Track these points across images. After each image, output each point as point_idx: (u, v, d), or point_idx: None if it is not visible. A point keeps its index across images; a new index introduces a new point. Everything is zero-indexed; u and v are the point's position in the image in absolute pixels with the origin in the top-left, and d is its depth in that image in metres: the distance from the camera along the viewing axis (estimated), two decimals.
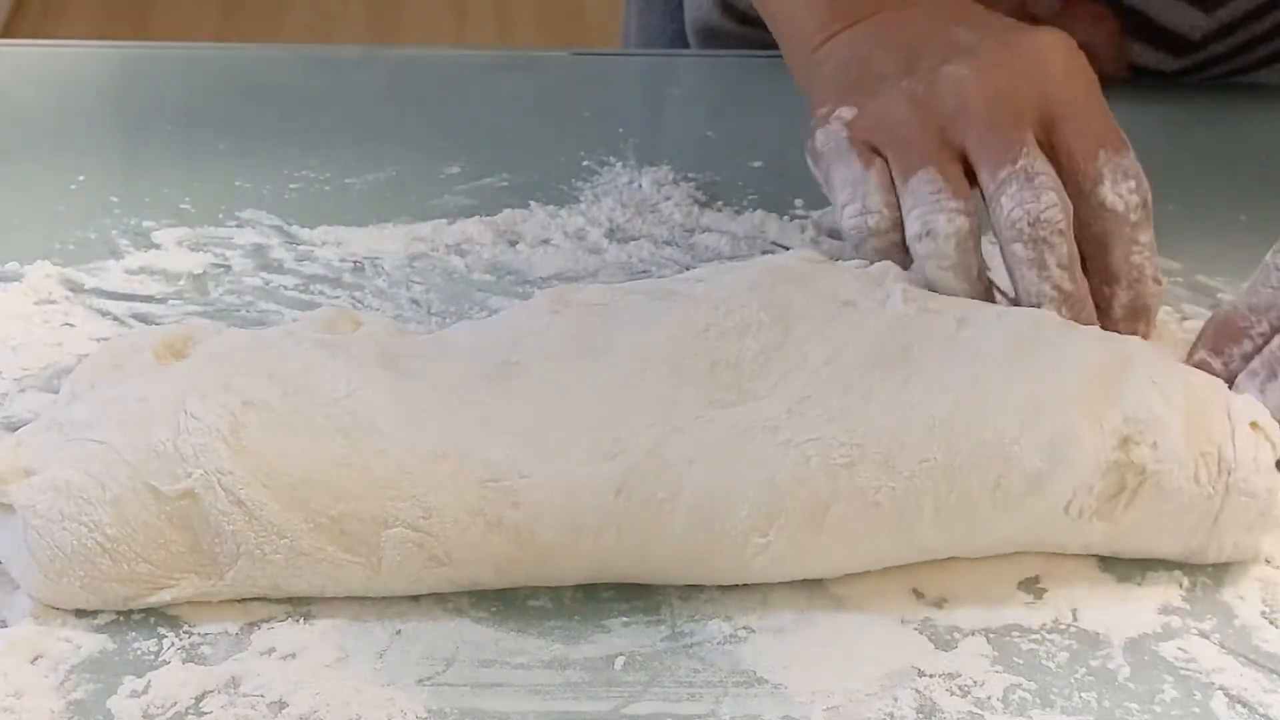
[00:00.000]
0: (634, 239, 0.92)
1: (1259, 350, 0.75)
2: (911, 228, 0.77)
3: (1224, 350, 0.76)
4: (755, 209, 0.95)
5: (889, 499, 0.66)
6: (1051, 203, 0.76)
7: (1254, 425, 0.69)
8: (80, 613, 0.65)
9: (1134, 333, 0.78)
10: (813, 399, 0.67)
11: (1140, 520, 0.68)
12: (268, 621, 0.65)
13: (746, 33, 1.14)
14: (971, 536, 0.68)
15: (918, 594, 0.68)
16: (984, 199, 0.78)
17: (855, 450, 0.65)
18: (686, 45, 1.23)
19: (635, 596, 0.67)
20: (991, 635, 0.66)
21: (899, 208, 0.79)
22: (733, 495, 0.65)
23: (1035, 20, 1.07)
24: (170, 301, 0.85)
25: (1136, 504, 0.68)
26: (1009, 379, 0.68)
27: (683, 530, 0.65)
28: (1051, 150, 0.79)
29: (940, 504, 0.66)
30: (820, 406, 0.66)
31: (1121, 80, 1.11)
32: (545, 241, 0.91)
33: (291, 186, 0.96)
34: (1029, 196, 0.76)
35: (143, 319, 0.83)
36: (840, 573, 0.67)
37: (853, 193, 0.80)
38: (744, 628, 0.66)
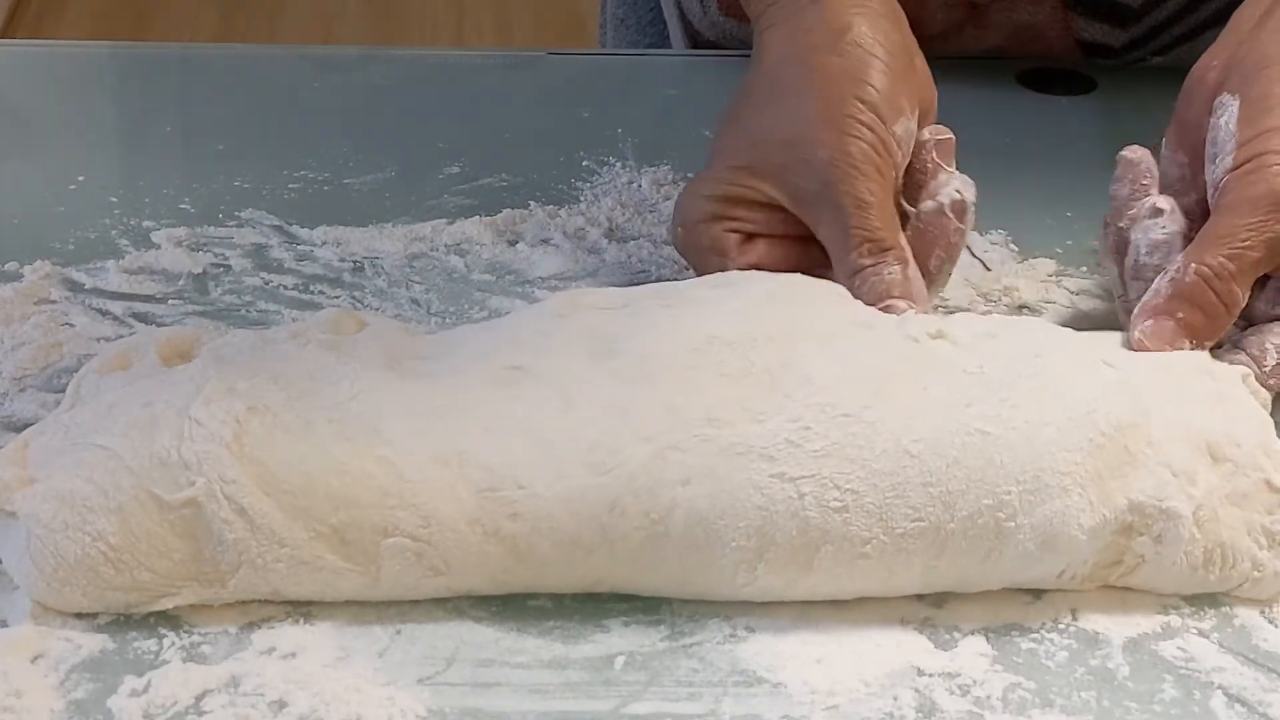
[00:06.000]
0: (634, 239, 0.92)
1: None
2: None
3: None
4: None
5: (878, 552, 0.65)
6: None
7: None
8: (80, 612, 0.65)
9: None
10: (812, 430, 0.65)
11: (1135, 584, 0.68)
12: (268, 621, 0.65)
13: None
14: (960, 588, 0.67)
15: (918, 594, 0.68)
16: None
17: (850, 496, 0.64)
18: None
19: (635, 596, 0.67)
20: (991, 635, 0.66)
21: None
22: (723, 524, 0.65)
23: (974, 7, 1.07)
24: (170, 301, 0.85)
25: (1133, 576, 0.68)
26: (1013, 438, 0.66)
27: (674, 553, 0.65)
28: None
29: (929, 564, 0.66)
30: (819, 439, 0.65)
31: (1072, 59, 1.10)
32: (545, 241, 0.91)
33: (291, 186, 0.96)
34: None
35: (142, 319, 0.83)
36: (830, 599, 0.67)
37: None
38: (744, 628, 0.66)
